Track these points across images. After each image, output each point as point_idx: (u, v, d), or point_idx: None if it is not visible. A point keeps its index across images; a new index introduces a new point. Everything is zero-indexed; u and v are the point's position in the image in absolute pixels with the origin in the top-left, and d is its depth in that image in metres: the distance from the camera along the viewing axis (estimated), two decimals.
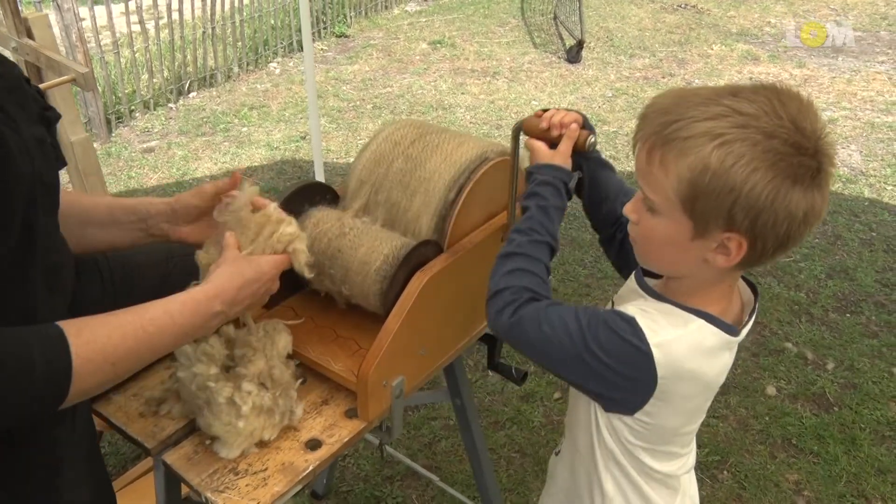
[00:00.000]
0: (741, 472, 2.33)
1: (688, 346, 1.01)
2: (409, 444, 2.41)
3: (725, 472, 2.34)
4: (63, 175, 1.41)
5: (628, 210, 1.06)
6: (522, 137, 1.25)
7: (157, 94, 5.03)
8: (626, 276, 1.23)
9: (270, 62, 5.87)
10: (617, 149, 4.52)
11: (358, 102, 5.18)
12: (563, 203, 1.17)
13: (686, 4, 7.23)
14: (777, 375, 2.74)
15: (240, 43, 5.60)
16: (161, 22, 5.05)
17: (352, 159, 4.38)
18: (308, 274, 1.19)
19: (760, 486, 2.29)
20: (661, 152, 0.95)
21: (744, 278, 1.12)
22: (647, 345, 0.99)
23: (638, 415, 1.06)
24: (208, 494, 1.08)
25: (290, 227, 1.17)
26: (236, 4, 5.50)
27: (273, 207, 1.17)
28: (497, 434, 2.46)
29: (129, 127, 4.79)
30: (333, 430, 1.20)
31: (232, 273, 1.07)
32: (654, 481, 1.18)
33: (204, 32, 5.28)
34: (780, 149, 0.90)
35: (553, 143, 1.20)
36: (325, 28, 6.42)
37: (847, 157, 4.41)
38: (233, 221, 1.15)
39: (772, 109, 0.91)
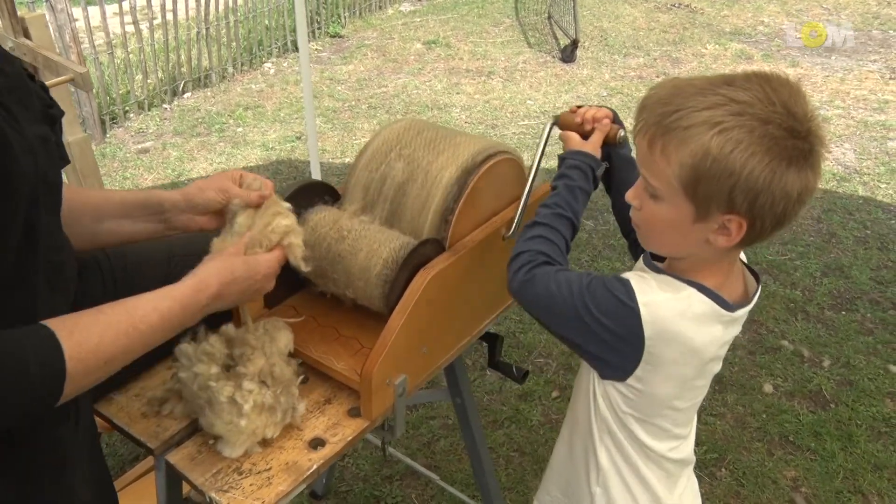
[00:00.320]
0: (739, 470, 2.34)
1: (675, 309, 1.06)
2: (407, 444, 2.41)
3: (724, 470, 2.34)
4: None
5: (630, 197, 1.11)
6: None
7: (152, 95, 5.01)
8: None
9: (265, 62, 5.86)
10: None
11: (353, 102, 5.18)
12: (588, 186, 1.25)
13: (680, 4, 7.25)
14: (774, 373, 2.75)
15: (234, 43, 5.59)
16: (155, 22, 5.03)
17: (347, 159, 4.38)
18: (304, 268, 1.18)
19: (758, 484, 2.30)
20: (663, 141, 1.00)
21: (748, 267, 1.17)
22: (636, 303, 1.05)
23: (630, 380, 1.11)
24: (213, 494, 1.08)
25: (285, 219, 1.17)
26: (230, 5, 5.49)
27: (275, 198, 1.18)
28: (496, 433, 2.46)
29: (124, 128, 4.78)
30: (337, 429, 1.20)
31: (221, 269, 1.07)
32: (651, 461, 1.20)
33: (198, 33, 5.27)
34: (775, 133, 0.95)
35: (585, 136, 1.31)
36: (319, 28, 6.41)
37: (841, 156, 4.43)
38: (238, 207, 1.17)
39: (765, 96, 0.96)
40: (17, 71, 1.04)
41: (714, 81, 0.99)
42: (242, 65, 5.68)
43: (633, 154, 1.22)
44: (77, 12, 4.39)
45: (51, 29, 3.93)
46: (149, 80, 4.97)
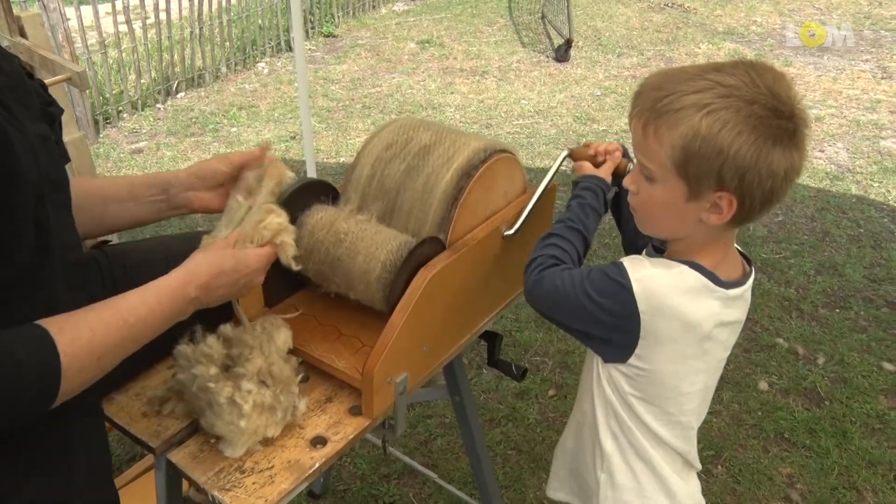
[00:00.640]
0: (735, 467, 2.35)
1: (667, 283, 1.11)
2: (405, 443, 2.41)
3: (720, 467, 2.36)
4: None
5: (628, 182, 1.17)
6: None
7: (145, 95, 5.00)
8: None
9: (258, 62, 5.85)
10: None
11: (347, 102, 5.18)
12: (600, 207, 1.33)
13: (673, 3, 7.27)
14: (769, 371, 2.76)
15: (227, 43, 5.58)
16: (148, 22, 5.02)
17: (342, 159, 4.38)
18: (295, 267, 1.18)
19: (754, 480, 2.31)
20: (655, 125, 1.06)
21: (742, 254, 1.22)
22: (629, 279, 1.11)
23: (632, 360, 1.16)
24: (215, 493, 1.08)
25: (278, 217, 1.16)
26: (223, 4, 5.47)
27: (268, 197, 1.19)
28: (493, 431, 2.47)
29: (117, 128, 4.76)
30: (338, 427, 1.21)
31: (210, 261, 1.07)
32: (658, 446, 1.22)
33: (191, 32, 5.25)
34: (760, 113, 1.01)
35: (597, 167, 1.39)
36: (312, 28, 6.40)
37: (834, 155, 4.46)
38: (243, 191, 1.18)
39: (750, 80, 1.02)
40: (16, 69, 1.03)
41: (704, 68, 1.06)
42: (236, 64, 5.67)
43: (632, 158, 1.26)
44: (70, 12, 4.38)
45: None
46: (142, 80, 4.95)
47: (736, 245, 1.21)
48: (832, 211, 3.86)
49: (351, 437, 1.19)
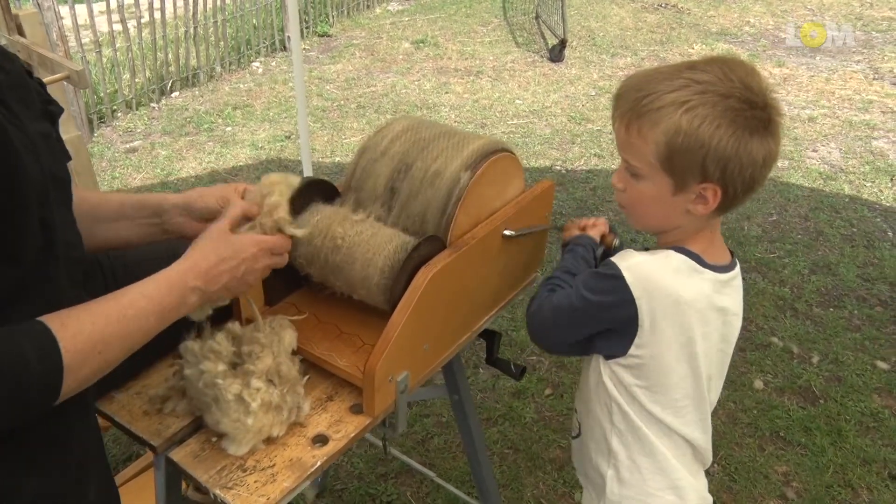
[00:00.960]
0: (731, 465, 2.37)
1: (654, 265, 1.16)
2: (402, 442, 2.42)
3: (716, 465, 2.36)
4: None
5: (615, 181, 1.22)
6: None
7: (140, 94, 4.98)
8: None
9: (253, 62, 5.84)
10: (601, 147, 4.56)
11: (342, 102, 5.17)
12: (591, 259, 1.37)
13: (666, 4, 7.30)
14: (764, 369, 2.78)
15: (222, 42, 5.57)
16: (142, 21, 5.00)
17: (338, 158, 4.38)
18: (300, 235, 1.18)
19: (750, 478, 2.33)
20: (638, 124, 1.11)
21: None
22: (618, 269, 1.15)
23: (632, 350, 1.18)
24: (217, 491, 1.08)
25: (273, 196, 1.16)
26: (218, 4, 5.47)
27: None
28: (489, 430, 2.47)
29: (112, 127, 4.75)
30: (339, 425, 1.21)
31: (206, 249, 1.06)
32: (665, 436, 1.24)
33: (186, 31, 5.24)
34: (736, 106, 1.06)
35: None
36: (307, 28, 6.40)
37: (827, 155, 4.48)
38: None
39: (724, 75, 1.07)
40: (17, 68, 1.03)
41: (678, 67, 1.12)
42: (230, 64, 5.66)
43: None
44: (64, 10, 4.36)
45: None
46: (136, 79, 4.94)
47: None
48: (825, 210, 3.88)
49: (352, 435, 1.19)
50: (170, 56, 5.17)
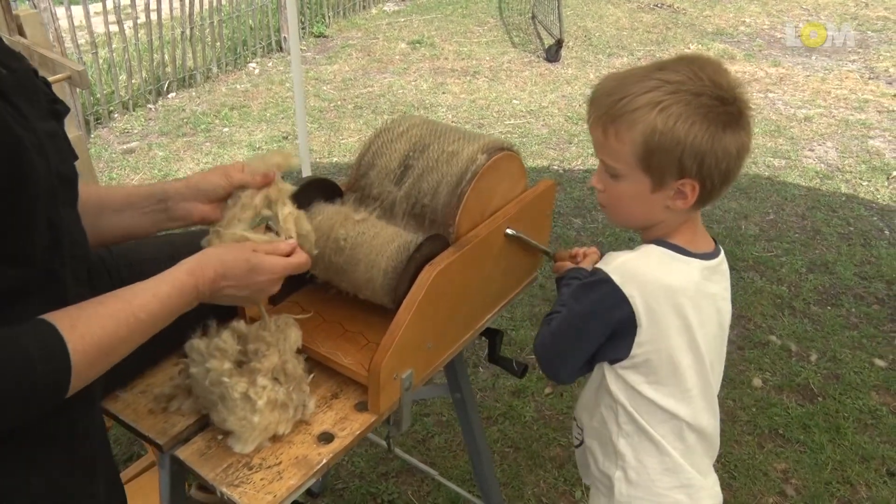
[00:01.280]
0: (730, 463, 2.38)
1: (638, 261, 1.19)
2: (402, 441, 2.42)
3: (715, 463, 2.36)
4: None
5: (594, 182, 1.26)
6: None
7: (136, 95, 4.98)
8: None
9: (249, 62, 5.84)
10: None
11: (339, 102, 5.18)
12: None
13: (662, 4, 7.32)
14: (762, 367, 2.79)
15: (218, 43, 5.57)
16: (138, 22, 5.00)
17: (335, 159, 4.38)
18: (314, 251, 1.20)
19: (749, 476, 2.33)
20: (615, 127, 1.14)
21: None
22: (605, 273, 1.18)
23: (634, 349, 1.20)
24: (224, 489, 1.08)
25: (286, 207, 1.17)
26: (214, 4, 5.46)
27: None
28: (490, 429, 2.48)
29: (109, 128, 4.74)
30: (345, 423, 1.21)
31: (222, 260, 1.06)
32: (673, 434, 1.24)
33: (182, 32, 5.24)
34: (707, 103, 1.10)
35: None
36: (303, 28, 6.40)
37: (823, 154, 4.50)
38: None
39: (693, 74, 1.11)
40: (24, 67, 1.03)
41: (648, 69, 1.15)
42: (227, 65, 5.66)
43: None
44: (60, 11, 4.35)
45: None
46: (133, 80, 4.93)
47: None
48: (822, 209, 3.90)
49: (357, 432, 1.20)
50: (166, 57, 5.16)
